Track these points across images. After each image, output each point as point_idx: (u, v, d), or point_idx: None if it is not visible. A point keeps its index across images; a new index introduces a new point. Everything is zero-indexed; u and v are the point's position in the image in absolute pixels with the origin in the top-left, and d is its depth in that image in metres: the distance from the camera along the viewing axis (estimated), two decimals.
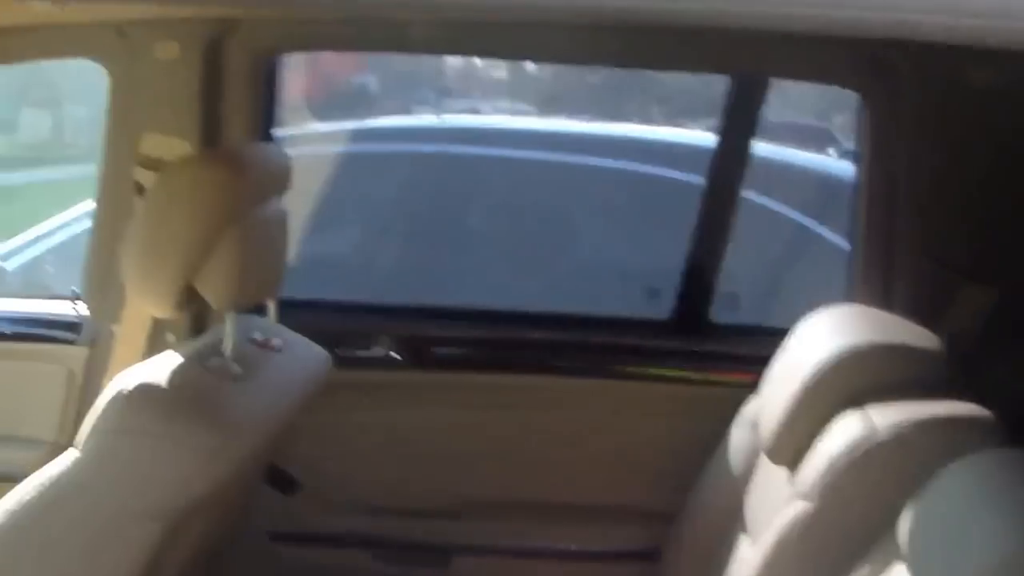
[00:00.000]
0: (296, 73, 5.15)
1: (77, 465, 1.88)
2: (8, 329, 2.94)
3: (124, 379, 1.97)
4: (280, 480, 2.87)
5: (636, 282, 3.59)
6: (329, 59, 5.71)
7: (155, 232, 2.01)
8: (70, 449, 1.92)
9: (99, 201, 2.80)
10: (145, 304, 2.09)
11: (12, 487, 1.90)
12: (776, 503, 2.16)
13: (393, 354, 2.90)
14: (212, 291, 2.03)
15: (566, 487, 2.93)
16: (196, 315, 2.69)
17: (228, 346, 2.10)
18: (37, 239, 4.20)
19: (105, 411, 1.92)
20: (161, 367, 2.03)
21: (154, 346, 2.68)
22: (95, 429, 1.91)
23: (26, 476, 1.90)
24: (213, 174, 2.02)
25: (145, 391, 1.94)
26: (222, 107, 2.74)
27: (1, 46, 2.70)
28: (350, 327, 2.95)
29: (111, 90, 2.75)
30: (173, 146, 2.64)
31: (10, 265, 3.99)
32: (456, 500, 2.94)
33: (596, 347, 2.99)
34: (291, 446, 2.71)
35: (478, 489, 2.95)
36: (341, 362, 2.59)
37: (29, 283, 4.09)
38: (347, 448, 2.93)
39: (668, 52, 2.79)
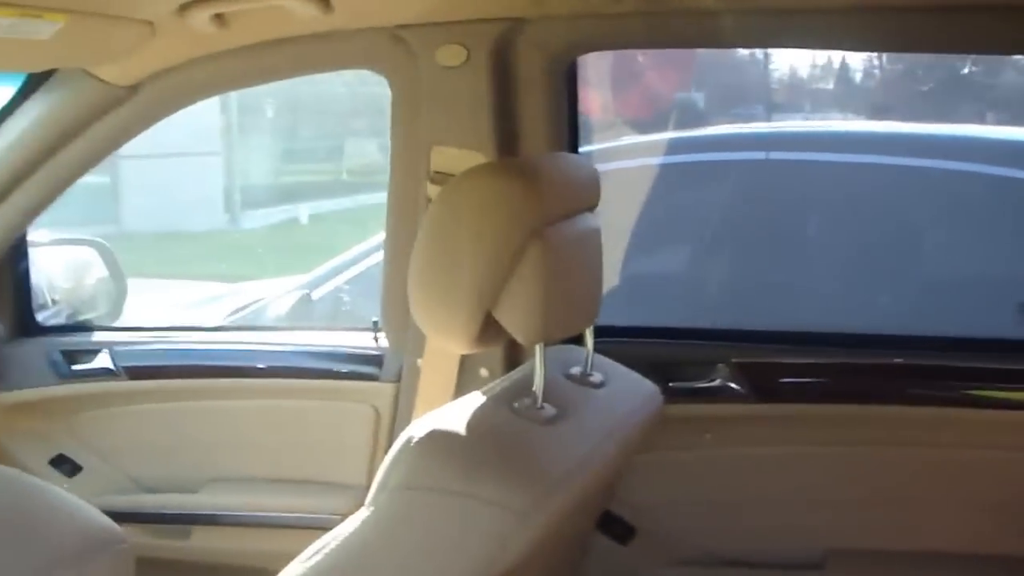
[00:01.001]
0: (615, 91, 4.91)
1: (367, 527, 1.62)
2: (312, 364, 2.78)
3: (417, 426, 1.70)
4: (614, 527, 2.58)
5: (1003, 297, 3.14)
6: (651, 77, 5.44)
7: (441, 256, 1.73)
8: (362, 508, 1.67)
9: (390, 223, 2.57)
10: (440, 339, 1.82)
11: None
12: None
13: (733, 385, 2.55)
14: (514, 321, 1.73)
15: (938, 533, 2.54)
16: (511, 345, 2.43)
17: (539, 384, 1.79)
18: (345, 265, 4.08)
19: (394, 464, 1.65)
20: (460, 411, 1.75)
21: (465, 382, 2.45)
22: (383, 484, 1.65)
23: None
24: (505, 184, 1.71)
25: (438, 441, 1.66)
26: (518, 115, 2.47)
27: (274, 60, 2.54)
28: (682, 355, 2.60)
29: (393, 102, 2.53)
30: (467, 160, 2.36)
31: (317, 293, 3.88)
32: (814, 550, 2.57)
33: (961, 372, 2.56)
34: (623, 489, 2.41)
35: (838, 538, 2.57)
36: (674, 395, 2.32)
37: (335, 313, 3.97)
38: (686, 490, 2.62)
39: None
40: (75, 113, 2.64)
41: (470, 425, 1.70)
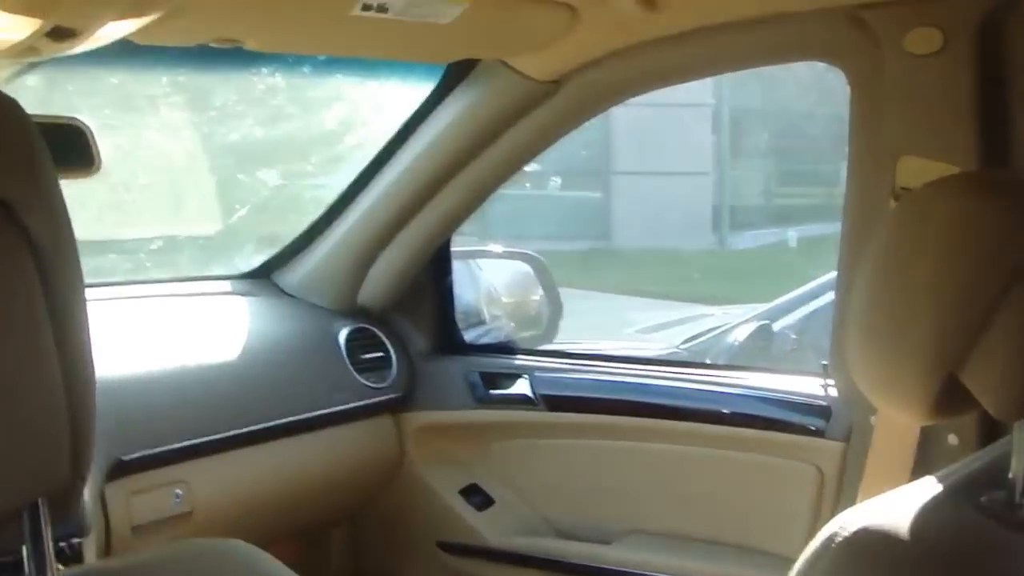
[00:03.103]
0: None
1: None
2: (751, 411, 2.39)
3: (845, 518, 1.26)
4: None
5: None
6: None
7: (891, 295, 1.29)
8: None
9: (843, 250, 2.12)
10: (885, 404, 1.37)
11: None
12: None
13: None
14: (987, 387, 1.26)
15: None
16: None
17: (1018, 473, 1.31)
18: (812, 294, 3.64)
19: (810, 567, 1.23)
20: (904, 501, 1.29)
21: (928, 450, 1.97)
22: None
23: None
24: (985, 202, 1.25)
25: (869, 542, 1.22)
26: (1009, 118, 1.94)
27: (711, 50, 2.17)
28: None
29: (852, 102, 2.06)
30: (942, 173, 1.87)
31: (779, 324, 3.46)
32: None
33: None
34: None
35: None
36: None
37: (793, 348, 3.54)
38: None
39: None
40: (495, 111, 2.40)
41: (916, 522, 1.25)
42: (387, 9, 1.82)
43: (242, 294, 2.80)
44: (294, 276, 2.83)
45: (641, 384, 2.54)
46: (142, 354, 2.41)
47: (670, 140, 11.79)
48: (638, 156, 12.08)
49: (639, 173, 12.15)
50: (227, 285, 2.83)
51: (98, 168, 2.00)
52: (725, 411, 2.41)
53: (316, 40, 2.07)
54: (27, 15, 1.52)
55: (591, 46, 2.21)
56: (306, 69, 2.87)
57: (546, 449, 2.63)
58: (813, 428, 2.27)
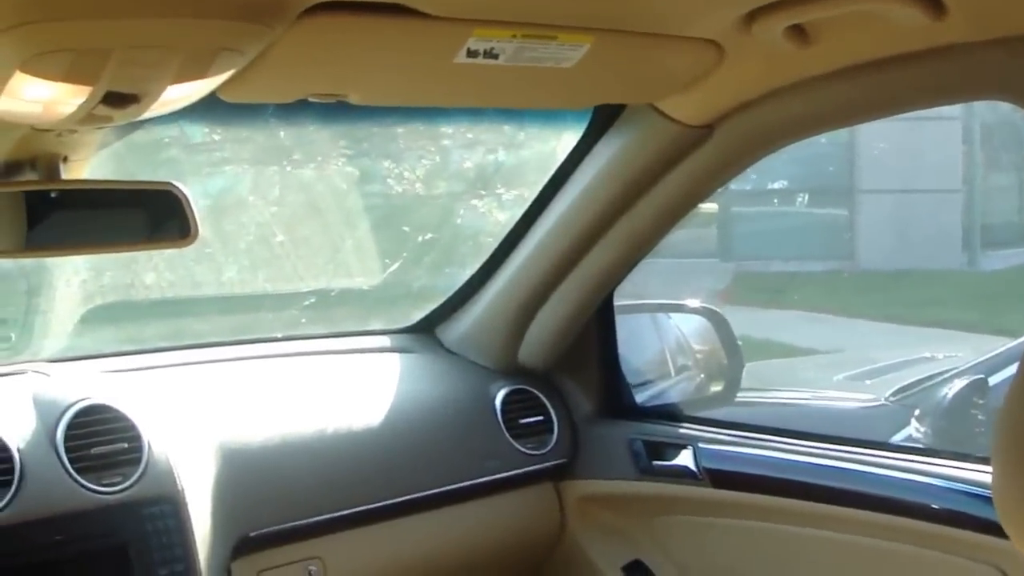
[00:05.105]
0: None
1: None
2: (927, 500, 2.08)
3: None
4: None
5: None
6: None
7: None
8: None
9: None
10: None
11: None
12: None
13: None
14: None
15: None
16: None
17: None
18: None
19: None
20: None
21: None
22: None
23: None
24: None
25: None
26: None
27: (872, 89, 1.87)
28: None
29: None
30: None
31: (996, 378, 3.12)
32: None
33: None
34: None
35: None
36: None
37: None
38: None
39: None
40: (646, 158, 2.19)
41: None
42: (497, 55, 1.65)
43: (401, 350, 2.67)
44: (455, 331, 2.68)
45: (810, 464, 2.27)
46: (284, 417, 2.29)
47: (918, 155, 11.26)
48: (884, 172, 11.57)
49: (885, 191, 11.64)
50: (387, 340, 2.70)
51: (195, 237, 1.85)
52: (902, 499, 2.11)
53: (423, 90, 1.89)
54: (73, 83, 1.40)
55: (742, 87, 1.98)
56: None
57: (712, 528, 2.39)
58: (992, 523, 1.96)
